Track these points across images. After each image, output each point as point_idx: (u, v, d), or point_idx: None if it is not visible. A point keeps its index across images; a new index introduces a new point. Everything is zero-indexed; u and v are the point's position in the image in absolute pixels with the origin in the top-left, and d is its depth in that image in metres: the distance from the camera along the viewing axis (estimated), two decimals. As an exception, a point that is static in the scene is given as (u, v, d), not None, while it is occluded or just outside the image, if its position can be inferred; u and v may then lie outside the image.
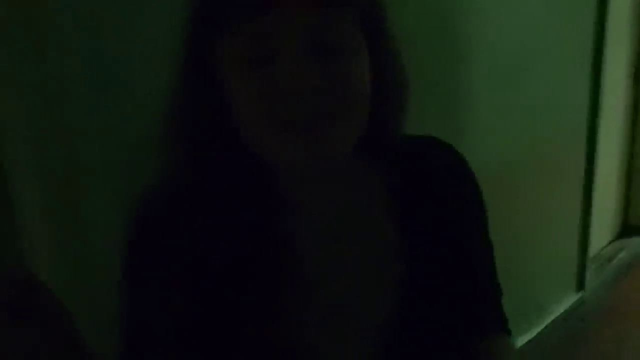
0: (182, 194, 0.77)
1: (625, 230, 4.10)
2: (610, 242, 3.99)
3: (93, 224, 1.19)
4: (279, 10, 0.65)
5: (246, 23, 0.65)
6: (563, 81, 2.83)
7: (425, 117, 0.86)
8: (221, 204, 0.75)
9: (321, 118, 0.68)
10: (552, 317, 3.02)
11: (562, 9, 2.67)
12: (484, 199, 0.88)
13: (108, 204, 1.18)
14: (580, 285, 3.30)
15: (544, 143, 2.71)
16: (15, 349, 0.64)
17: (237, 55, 0.67)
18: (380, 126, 0.76)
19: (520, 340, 2.73)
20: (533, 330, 2.86)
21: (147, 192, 0.80)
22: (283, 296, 0.76)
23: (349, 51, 0.69)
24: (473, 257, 0.86)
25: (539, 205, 2.76)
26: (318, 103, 0.67)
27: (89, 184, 1.19)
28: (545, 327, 2.95)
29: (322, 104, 0.67)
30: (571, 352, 2.87)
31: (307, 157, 0.69)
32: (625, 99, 3.91)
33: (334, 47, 0.67)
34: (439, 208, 0.82)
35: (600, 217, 3.50)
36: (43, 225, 1.14)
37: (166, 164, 0.76)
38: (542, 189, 2.77)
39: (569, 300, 3.18)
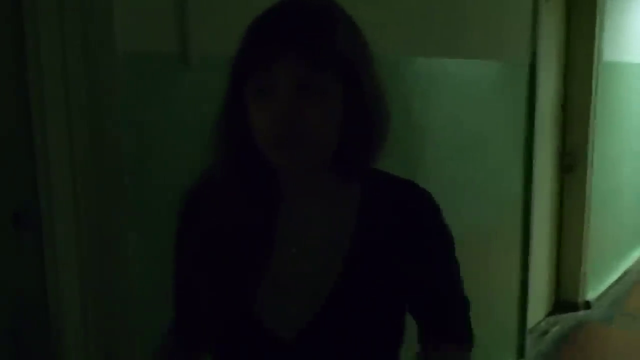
0: (215, 183, 1.06)
1: (558, 305, 4.13)
2: (545, 317, 4.04)
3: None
4: (282, 64, 0.93)
5: (262, 71, 0.95)
6: (501, 169, 3.12)
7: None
8: (237, 190, 1.04)
9: (298, 137, 0.94)
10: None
11: (500, 106, 3.03)
12: (450, 238, 1.07)
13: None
14: (521, 354, 3.52)
15: (484, 225, 2.95)
16: None
17: (253, 88, 0.96)
18: (349, 151, 1.00)
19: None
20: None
21: (195, 181, 1.11)
22: (255, 260, 1.03)
23: (324, 95, 0.95)
24: (429, 280, 1.05)
25: (481, 280, 2.85)
26: (298, 127, 0.94)
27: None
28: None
29: (300, 127, 0.94)
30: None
31: (289, 163, 0.98)
32: (551, 190, 4.11)
33: (314, 91, 0.94)
34: (393, 231, 1.02)
35: (536, 293, 3.72)
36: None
37: (209, 163, 1.06)
38: (484, 266, 2.94)
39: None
